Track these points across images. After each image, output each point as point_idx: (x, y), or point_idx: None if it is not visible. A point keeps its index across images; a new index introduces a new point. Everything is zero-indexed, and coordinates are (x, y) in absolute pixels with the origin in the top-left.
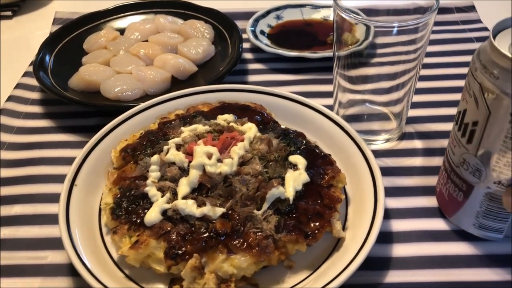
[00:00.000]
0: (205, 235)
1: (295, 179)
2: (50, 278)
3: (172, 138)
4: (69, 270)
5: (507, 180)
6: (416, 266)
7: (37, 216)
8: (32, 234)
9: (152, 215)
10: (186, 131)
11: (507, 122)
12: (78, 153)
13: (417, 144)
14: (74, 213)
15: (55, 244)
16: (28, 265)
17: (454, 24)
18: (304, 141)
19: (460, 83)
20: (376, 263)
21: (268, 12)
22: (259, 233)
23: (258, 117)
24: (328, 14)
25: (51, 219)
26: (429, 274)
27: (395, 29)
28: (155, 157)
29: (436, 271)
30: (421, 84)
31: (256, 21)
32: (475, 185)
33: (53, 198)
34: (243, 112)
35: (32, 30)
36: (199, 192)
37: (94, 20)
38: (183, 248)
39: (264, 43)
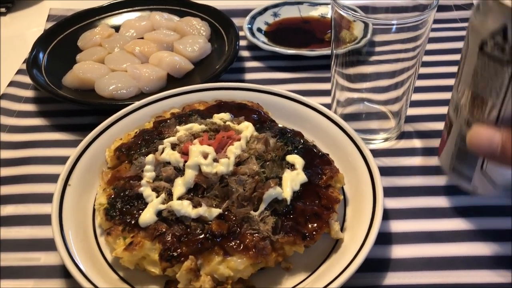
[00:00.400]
0: (201, 237)
1: (292, 179)
2: (43, 280)
3: (167, 137)
4: (63, 272)
5: (473, 119)
6: (415, 268)
7: (30, 217)
8: (25, 235)
9: (147, 216)
10: (182, 130)
11: (475, 57)
12: (72, 152)
13: (416, 143)
14: (68, 213)
15: (48, 245)
16: (21, 266)
17: (453, 22)
18: (302, 140)
19: None
20: (375, 265)
21: (265, 9)
22: (256, 234)
23: (255, 116)
24: (326, 11)
25: (44, 220)
26: (429, 276)
27: (394, 26)
28: (150, 157)
29: (436, 273)
30: (420, 83)
31: (253, 18)
32: (454, 123)
33: (46, 198)
34: (240, 110)
35: (27, 27)
36: (195, 192)
37: (89, 17)
38: (179, 250)
39: (261, 41)
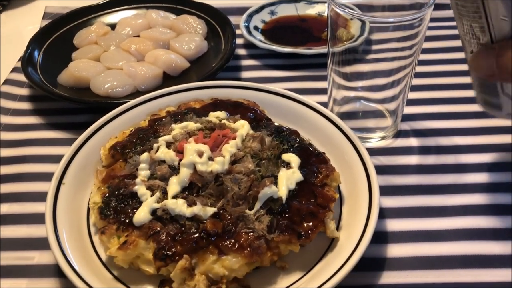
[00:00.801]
0: (195, 236)
1: (288, 178)
2: (37, 279)
3: (162, 136)
4: (57, 271)
5: (475, 46)
6: (411, 267)
7: (24, 216)
8: (19, 234)
9: (141, 215)
10: (177, 129)
11: None
12: (67, 151)
13: (413, 142)
14: (62, 212)
15: (42, 244)
16: (15, 265)
17: (450, 20)
18: (298, 139)
19: (457, 80)
20: (371, 264)
21: (262, 8)
22: (251, 233)
23: (251, 114)
24: (323, 9)
25: (39, 219)
26: (424, 275)
27: (391, 25)
28: (145, 155)
29: (431, 272)
30: (417, 81)
31: (250, 16)
32: (467, 57)
33: (41, 196)
34: (236, 109)
35: (22, 25)
36: (190, 191)
37: (85, 15)
38: (173, 249)
39: (258, 39)
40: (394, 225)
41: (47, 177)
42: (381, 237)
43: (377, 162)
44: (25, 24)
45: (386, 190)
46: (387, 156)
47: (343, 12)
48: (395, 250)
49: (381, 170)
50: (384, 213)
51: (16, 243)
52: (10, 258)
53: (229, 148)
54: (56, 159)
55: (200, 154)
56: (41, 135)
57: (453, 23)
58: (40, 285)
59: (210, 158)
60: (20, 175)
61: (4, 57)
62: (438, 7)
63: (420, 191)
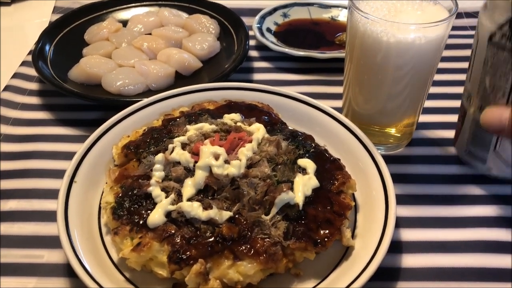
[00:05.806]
0: (210, 240)
1: (304, 184)
2: (46, 278)
3: (177, 136)
4: (66, 271)
5: (485, 104)
6: (426, 278)
7: (33, 213)
8: (28, 231)
9: (156, 217)
10: (192, 130)
11: (485, 48)
12: (77, 148)
13: (428, 150)
14: (73, 211)
15: (51, 242)
16: (23, 263)
17: (463, 29)
18: (313, 144)
19: None
20: (385, 273)
21: (274, 9)
22: (267, 239)
23: (266, 117)
24: (337, 14)
25: (48, 216)
26: (440, 286)
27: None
28: (160, 156)
29: (447, 284)
30: (433, 90)
31: (263, 18)
32: (467, 111)
33: (50, 194)
34: (250, 111)
35: (31, 18)
36: (205, 194)
37: (96, 10)
38: (188, 253)
39: (270, 41)
40: (408, 234)
41: (55, 174)
42: (396, 247)
43: (391, 170)
44: (33, 17)
45: (399, 199)
46: (401, 164)
47: (364, 16)
48: (410, 260)
49: (395, 178)
50: (398, 222)
51: (25, 240)
52: (19, 255)
53: (246, 152)
54: (64, 155)
55: (216, 157)
56: (50, 131)
57: (466, 32)
58: (50, 284)
59: (226, 161)
60: (28, 171)
61: (12, 50)
62: (457, 15)
63: (435, 201)
